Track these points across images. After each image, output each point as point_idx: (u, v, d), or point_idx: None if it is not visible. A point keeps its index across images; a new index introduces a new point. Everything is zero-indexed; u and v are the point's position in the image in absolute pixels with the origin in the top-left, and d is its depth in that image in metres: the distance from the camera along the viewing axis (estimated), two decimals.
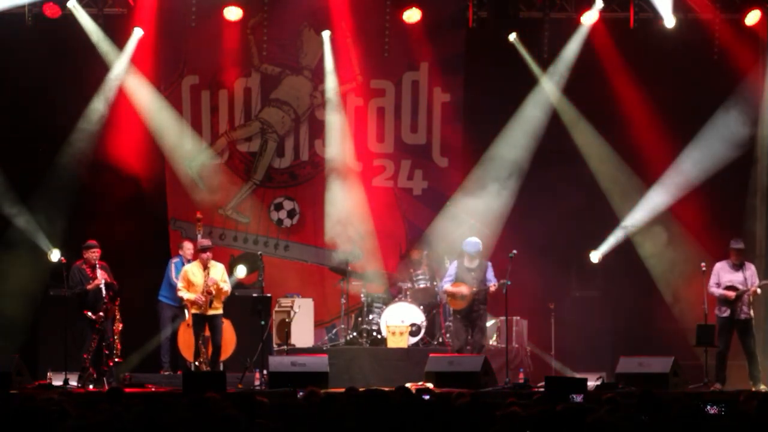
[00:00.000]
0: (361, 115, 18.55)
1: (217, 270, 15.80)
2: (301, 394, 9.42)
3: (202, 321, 15.73)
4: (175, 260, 17.02)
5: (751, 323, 15.76)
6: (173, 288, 16.60)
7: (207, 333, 15.82)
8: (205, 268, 15.71)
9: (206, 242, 15.98)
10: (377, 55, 18.38)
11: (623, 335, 17.62)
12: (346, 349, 16.84)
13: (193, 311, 15.77)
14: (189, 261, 16.76)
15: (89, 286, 15.46)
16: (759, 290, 15.72)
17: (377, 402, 5.94)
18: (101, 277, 15.48)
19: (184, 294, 15.73)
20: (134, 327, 16.35)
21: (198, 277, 15.69)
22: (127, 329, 15.90)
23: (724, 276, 15.78)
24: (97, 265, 15.55)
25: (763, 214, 17.87)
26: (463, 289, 15.99)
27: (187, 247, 16.96)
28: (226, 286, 15.81)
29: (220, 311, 15.84)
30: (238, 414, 7.04)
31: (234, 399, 8.17)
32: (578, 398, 9.80)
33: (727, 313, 15.72)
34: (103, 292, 15.43)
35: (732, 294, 15.64)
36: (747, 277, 15.71)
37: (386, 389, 9.81)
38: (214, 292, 15.63)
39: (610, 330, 17.89)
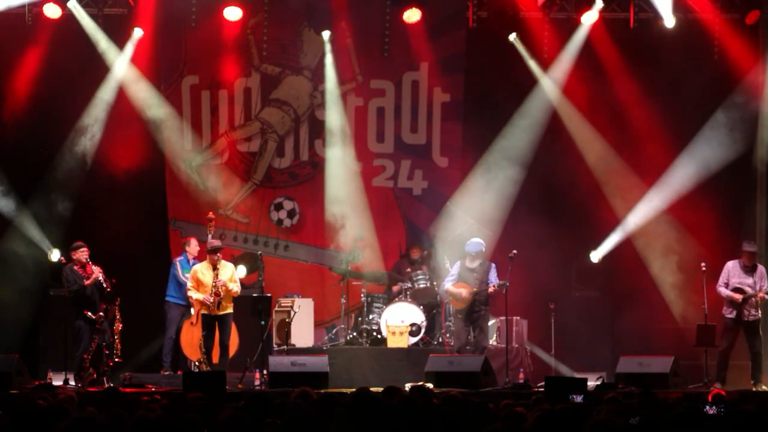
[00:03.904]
0: (361, 115, 18.55)
1: (227, 270, 15.75)
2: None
3: (211, 321, 15.68)
4: (179, 258, 17.01)
5: (759, 324, 15.74)
6: (181, 286, 16.60)
7: (216, 333, 15.74)
8: (215, 268, 15.67)
9: (217, 243, 15.91)
10: (377, 55, 18.39)
11: (623, 335, 17.61)
12: (346, 349, 16.85)
13: (203, 312, 15.74)
14: (194, 258, 16.76)
15: (87, 282, 15.46)
16: (767, 296, 15.64)
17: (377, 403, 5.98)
18: (97, 272, 15.48)
19: (194, 294, 15.71)
20: (134, 327, 16.36)
21: (207, 278, 15.63)
22: (126, 329, 15.91)
23: (733, 277, 15.73)
24: (89, 263, 15.54)
25: (764, 214, 17.86)
26: (463, 291, 16.00)
27: (193, 245, 16.94)
28: (235, 287, 15.73)
29: (230, 311, 15.79)
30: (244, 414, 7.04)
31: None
32: (578, 398, 9.79)
33: (733, 314, 15.69)
34: (104, 283, 15.43)
35: (739, 297, 15.61)
36: (757, 281, 15.67)
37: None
38: (222, 294, 15.58)
39: (610, 330, 17.89)
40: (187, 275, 16.33)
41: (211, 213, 17.04)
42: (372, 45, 18.41)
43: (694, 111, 17.88)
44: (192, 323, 16.27)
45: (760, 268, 15.82)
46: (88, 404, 8.76)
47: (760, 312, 15.74)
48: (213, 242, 15.96)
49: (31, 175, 17.71)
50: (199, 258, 16.67)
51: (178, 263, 16.92)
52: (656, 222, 17.90)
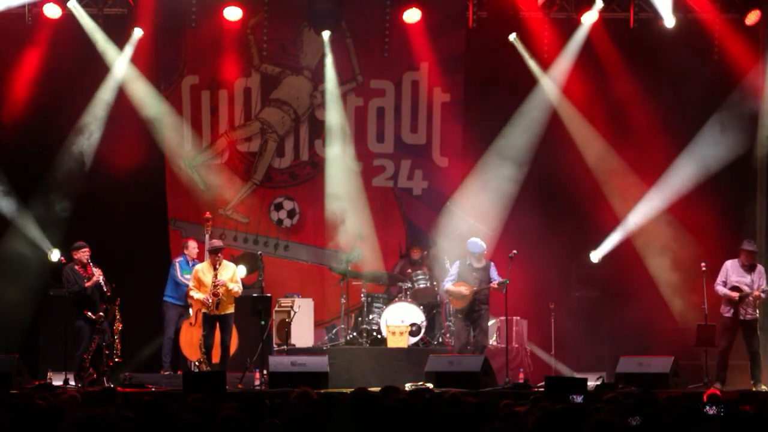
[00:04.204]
0: (361, 115, 18.55)
1: (228, 271, 15.68)
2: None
3: (212, 321, 15.64)
4: (179, 259, 17.01)
5: (757, 323, 15.75)
6: (179, 287, 16.58)
7: (217, 333, 15.71)
8: (215, 269, 15.64)
9: (218, 243, 15.85)
10: (377, 55, 18.39)
11: (623, 335, 17.60)
12: (346, 349, 16.84)
13: (204, 311, 15.72)
14: (194, 260, 16.74)
15: (88, 284, 15.43)
16: (763, 295, 15.66)
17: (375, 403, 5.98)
18: (98, 274, 15.46)
19: (195, 294, 15.67)
20: (134, 327, 16.35)
21: (208, 278, 15.59)
22: (127, 329, 15.90)
23: (732, 276, 15.75)
24: (90, 264, 15.52)
25: (764, 214, 17.87)
26: (463, 289, 15.99)
27: (192, 246, 16.94)
28: (236, 287, 15.65)
29: (231, 311, 15.74)
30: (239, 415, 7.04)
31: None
32: (578, 398, 9.77)
33: (730, 313, 15.71)
34: (104, 286, 15.42)
35: (735, 295, 15.63)
36: (755, 280, 15.69)
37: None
38: (221, 294, 15.54)
39: (610, 330, 17.88)
40: (186, 276, 16.32)
41: (208, 213, 16.99)
42: (372, 45, 18.41)
43: (694, 111, 17.88)
44: (191, 323, 16.26)
45: (759, 267, 15.84)
46: (86, 404, 8.76)
47: (758, 312, 15.74)
48: (214, 242, 15.93)
49: (31, 175, 17.71)
50: (199, 259, 16.66)
51: (177, 264, 16.92)
52: (656, 222, 17.90)
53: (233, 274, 15.74)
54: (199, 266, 15.93)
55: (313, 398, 8.14)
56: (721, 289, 15.76)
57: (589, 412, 7.11)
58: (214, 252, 15.66)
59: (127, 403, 9.09)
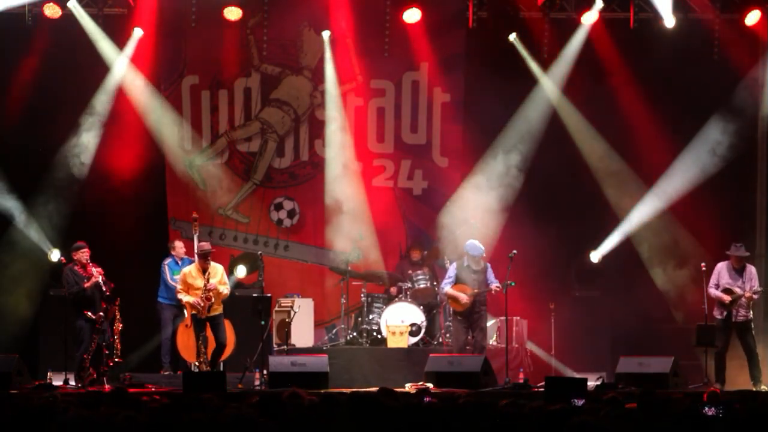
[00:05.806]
0: (361, 115, 18.56)
1: (217, 273, 15.68)
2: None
3: (202, 322, 15.66)
4: (168, 261, 17.00)
5: (750, 324, 15.75)
6: (170, 288, 16.58)
7: (208, 333, 15.73)
8: (205, 272, 15.63)
9: (207, 247, 15.76)
10: (377, 55, 18.38)
11: (623, 335, 17.62)
12: (346, 349, 16.85)
13: (193, 312, 15.72)
14: (181, 260, 16.75)
15: (87, 284, 15.41)
16: (755, 296, 15.70)
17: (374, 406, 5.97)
18: (97, 273, 15.44)
19: (183, 297, 15.63)
20: (134, 327, 16.35)
21: (198, 281, 15.58)
22: (127, 329, 15.89)
23: (723, 278, 15.79)
24: (90, 264, 15.51)
25: (763, 214, 17.88)
26: (463, 295, 15.93)
27: (179, 246, 16.96)
28: (225, 289, 15.67)
29: (220, 311, 15.77)
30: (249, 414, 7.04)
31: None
32: (579, 402, 9.73)
33: (722, 315, 15.75)
34: (102, 287, 15.41)
35: (727, 297, 15.66)
36: (746, 281, 15.70)
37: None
38: (213, 299, 15.54)
39: (610, 330, 17.89)
40: (176, 278, 16.27)
41: (195, 212, 16.95)
42: (372, 45, 18.40)
43: (694, 111, 17.88)
44: (186, 325, 16.22)
45: (750, 268, 15.88)
46: (94, 404, 8.75)
47: (751, 312, 15.76)
48: (203, 246, 15.77)
49: (30, 174, 17.70)
50: (188, 256, 16.66)
51: (166, 266, 16.91)
52: (656, 222, 17.90)
53: (222, 276, 15.72)
54: (187, 269, 15.84)
55: (303, 400, 8.09)
56: (713, 291, 15.80)
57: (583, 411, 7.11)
58: (204, 256, 15.60)
59: (127, 403, 9.08)
